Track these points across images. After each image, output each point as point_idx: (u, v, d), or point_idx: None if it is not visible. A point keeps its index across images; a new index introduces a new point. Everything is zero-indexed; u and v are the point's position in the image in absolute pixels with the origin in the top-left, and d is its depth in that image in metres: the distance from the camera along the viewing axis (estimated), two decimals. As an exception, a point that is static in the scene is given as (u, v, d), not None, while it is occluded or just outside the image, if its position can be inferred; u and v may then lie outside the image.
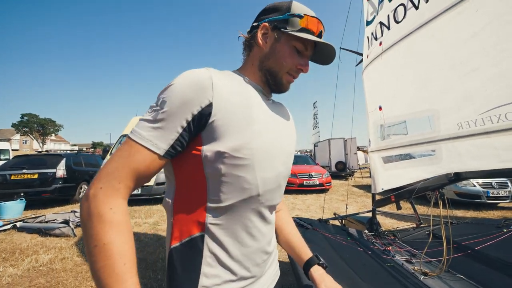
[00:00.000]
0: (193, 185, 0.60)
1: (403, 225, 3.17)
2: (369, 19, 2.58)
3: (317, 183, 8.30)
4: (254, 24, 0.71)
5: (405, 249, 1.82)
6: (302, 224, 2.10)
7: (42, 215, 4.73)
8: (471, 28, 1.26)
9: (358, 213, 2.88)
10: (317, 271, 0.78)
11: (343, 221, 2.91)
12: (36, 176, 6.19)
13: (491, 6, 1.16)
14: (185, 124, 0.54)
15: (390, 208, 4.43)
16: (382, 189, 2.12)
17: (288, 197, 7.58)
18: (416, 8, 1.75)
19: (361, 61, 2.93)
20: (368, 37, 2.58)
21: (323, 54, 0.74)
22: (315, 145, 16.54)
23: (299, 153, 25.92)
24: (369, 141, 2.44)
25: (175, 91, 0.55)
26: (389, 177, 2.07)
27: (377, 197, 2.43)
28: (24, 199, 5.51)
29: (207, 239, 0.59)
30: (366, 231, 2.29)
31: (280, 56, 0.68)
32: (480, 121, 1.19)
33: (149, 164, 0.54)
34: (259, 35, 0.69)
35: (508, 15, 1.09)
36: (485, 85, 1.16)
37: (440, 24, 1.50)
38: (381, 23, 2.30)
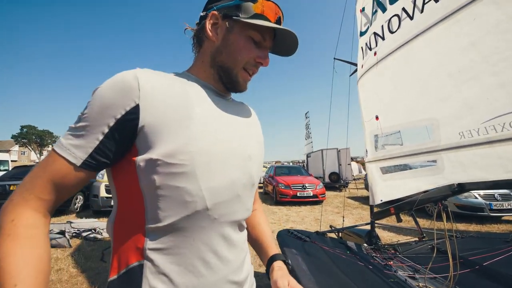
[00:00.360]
0: (131, 203, 0.51)
1: (403, 238, 3.10)
2: (363, 30, 2.62)
3: (311, 194, 8.16)
4: (202, 13, 0.62)
5: (407, 264, 1.75)
6: (299, 236, 2.02)
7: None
8: (468, 37, 1.26)
9: (355, 226, 2.82)
10: (277, 265, 0.67)
11: (340, 234, 2.84)
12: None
13: (489, 15, 1.16)
14: (106, 130, 0.47)
15: (388, 220, 4.37)
16: (381, 200, 2.06)
17: (282, 209, 7.45)
18: (411, 18, 1.77)
19: (355, 71, 2.96)
20: (362, 47, 2.61)
21: (285, 44, 0.65)
22: (307, 156, 16.44)
23: (291, 163, 25.97)
24: (366, 151, 2.41)
25: (98, 95, 0.48)
26: (388, 188, 2.02)
27: (375, 209, 2.35)
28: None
29: (147, 269, 0.49)
30: (365, 245, 2.23)
31: (234, 49, 0.59)
32: (483, 130, 1.16)
33: (65, 175, 0.47)
34: (208, 26, 0.60)
35: (506, 23, 1.09)
36: (486, 94, 1.15)
37: (437, 33, 1.50)
38: (375, 34, 2.32)
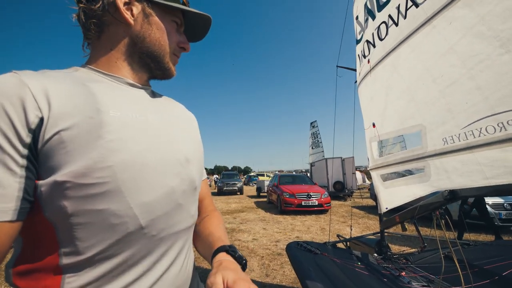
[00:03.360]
0: (37, 238, 0.41)
1: (411, 247, 3.00)
2: (358, 38, 2.64)
3: (316, 203, 8.01)
4: None
5: (420, 274, 1.69)
6: (309, 249, 1.99)
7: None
8: (447, 41, 1.24)
9: (365, 235, 2.75)
10: (217, 259, 0.53)
11: (348, 243, 2.77)
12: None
13: (463, 18, 1.14)
14: (23, 162, 0.37)
15: (395, 229, 4.23)
16: (386, 208, 2.01)
17: (287, 218, 7.35)
18: (396, 25, 1.77)
19: (359, 78, 2.98)
20: (358, 55, 2.62)
21: (197, 27, 0.62)
22: (311, 165, 16.06)
23: (294, 173, 25.67)
24: (368, 159, 2.38)
25: None
26: (390, 196, 1.98)
27: (384, 218, 2.29)
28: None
29: None
30: (375, 255, 2.16)
31: (160, 35, 0.54)
32: (463, 136, 1.12)
33: None
34: (121, 4, 0.51)
35: (479, 25, 1.06)
36: (465, 98, 1.11)
37: (419, 39, 1.48)
38: (367, 41, 2.34)
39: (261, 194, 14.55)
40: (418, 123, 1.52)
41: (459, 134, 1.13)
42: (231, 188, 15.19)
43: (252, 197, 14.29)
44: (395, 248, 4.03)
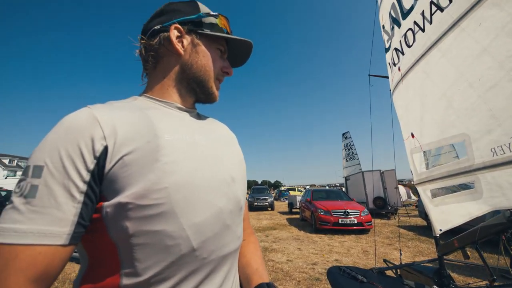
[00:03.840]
0: (102, 257, 0.43)
1: (479, 278, 2.49)
2: (387, 46, 2.58)
3: (355, 222, 7.18)
4: (157, 27, 0.58)
5: None
6: (354, 275, 1.79)
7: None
8: (479, 43, 1.13)
9: (420, 262, 2.36)
10: None
11: (398, 271, 2.41)
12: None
13: (493, 18, 1.04)
14: (84, 187, 0.40)
15: (456, 256, 3.64)
16: (440, 230, 1.73)
17: (323, 238, 6.72)
18: (423, 30, 1.69)
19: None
20: (389, 63, 2.55)
21: (239, 53, 0.67)
22: (346, 178, 14.56)
23: (327, 187, 23.98)
24: (411, 172, 2.18)
25: (53, 149, 0.40)
26: (443, 215, 1.71)
27: (441, 242, 1.93)
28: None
29: None
30: (435, 286, 1.82)
31: (206, 62, 0.60)
32: (513, 145, 0.97)
33: (47, 264, 0.37)
34: (174, 38, 0.57)
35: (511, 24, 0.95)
36: (509, 103, 0.98)
37: (447, 43, 1.39)
38: (396, 49, 2.28)
39: (293, 210, 13.71)
40: (461, 132, 1.37)
41: (510, 144, 0.99)
42: (262, 203, 14.64)
43: (283, 213, 13.57)
44: (458, 279, 3.42)
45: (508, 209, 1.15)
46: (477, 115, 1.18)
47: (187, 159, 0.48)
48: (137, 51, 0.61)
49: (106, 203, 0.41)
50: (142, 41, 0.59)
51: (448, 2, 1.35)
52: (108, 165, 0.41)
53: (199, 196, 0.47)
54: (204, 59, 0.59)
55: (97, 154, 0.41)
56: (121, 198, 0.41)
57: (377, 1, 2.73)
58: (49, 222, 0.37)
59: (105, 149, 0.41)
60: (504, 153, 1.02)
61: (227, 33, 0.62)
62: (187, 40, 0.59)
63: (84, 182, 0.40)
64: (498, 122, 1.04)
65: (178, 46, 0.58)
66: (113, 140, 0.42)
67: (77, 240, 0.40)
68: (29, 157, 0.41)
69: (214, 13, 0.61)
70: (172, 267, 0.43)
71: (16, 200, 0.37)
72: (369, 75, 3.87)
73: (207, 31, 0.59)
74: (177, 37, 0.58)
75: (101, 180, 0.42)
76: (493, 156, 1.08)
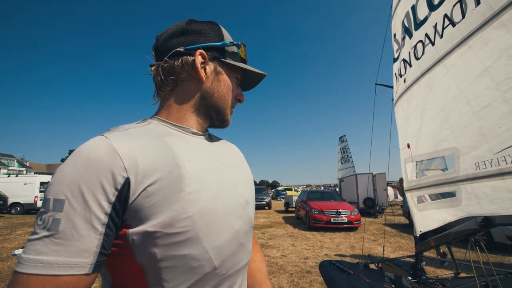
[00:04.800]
0: (128, 279, 0.46)
1: (448, 271, 2.76)
2: (395, 56, 2.60)
3: (346, 220, 7.79)
4: (181, 49, 0.56)
5: None
6: (342, 268, 2.00)
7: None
8: (483, 63, 1.19)
9: (399, 258, 2.65)
10: None
11: (379, 264, 2.71)
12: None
13: (499, 39, 1.09)
14: (105, 219, 0.41)
15: (431, 253, 3.90)
16: (420, 231, 1.94)
17: (315, 235, 7.25)
18: (433, 44, 1.72)
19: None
20: (395, 73, 2.58)
21: (250, 81, 0.68)
22: (341, 180, 15.41)
23: (322, 188, 24.60)
24: (401, 179, 2.31)
25: (74, 182, 0.40)
26: (424, 219, 1.90)
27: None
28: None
29: None
30: (410, 278, 2.07)
31: (226, 91, 0.60)
32: (495, 161, 1.05)
33: None
34: (199, 64, 0.56)
35: (515, 48, 1.01)
36: (499, 123, 1.05)
37: (453, 59, 1.44)
38: (403, 60, 2.30)
39: (289, 209, 14.31)
40: (452, 146, 1.46)
41: (492, 160, 1.07)
42: (259, 202, 15.13)
43: (280, 212, 14.18)
44: (429, 271, 3.74)
45: (480, 216, 1.28)
46: (469, 132, 1.25)
47: (208, 187, 0.50)
48: (153, 68, 0.58)
49: (131, 231, 0.43)
50: (165, 64, 0.56)
51: (461, 17, 1.39)
52: (132, 197, 0.43)
53: (220, 221, 0.50)
54: (225, 88, 0.59)
55: (119, 186, 0.41)
56: (148, 227, 0.42)
57: (391, 7, 2.73)
58: (73, 254, 0.38)
59: (127, 180, 0.42)
60: (486, 167, 1.10)
61: (243, 60, 0.63)
62: (210, 67, 0.58)
63: (106, 214, 0.41)
64: (486, 139, 1.12)
65: (202, 73, 0.56)
66: (134, 172, 0.43)
67: (99, 268, 0.42)
68: (46, 189, 0.42)
69: (237, 43, 0.61)
70: (197, 284, 0.47)
71: (40, 232, 0.38)
72: (375, 84, 3.91)
73: (230, 60, 0.59)
74: (201, 63, 0.56)
75: (124, 210, 0.43)
76: (476, 169, 1.16)
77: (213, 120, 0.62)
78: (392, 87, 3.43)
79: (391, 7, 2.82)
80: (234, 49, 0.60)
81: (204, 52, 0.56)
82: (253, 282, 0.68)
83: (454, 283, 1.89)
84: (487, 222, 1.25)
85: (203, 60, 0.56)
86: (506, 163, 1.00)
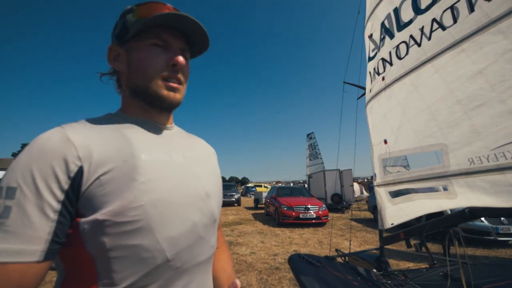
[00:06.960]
0: (79, 269, 0.45)
1: (412, 264, 2.99)
2: (371, 55, 2.69)
3: (314, 216, 8.00)
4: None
5: None
6: (310, 261, 2.01)
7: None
8: (476, 65, 1.28)
9: (364, 251, 2.77)
10: None
11: (347, 258, 2.80)
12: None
13: (496, 44, 1.19)
14: (58, 207, 0.40)
15: (397, 246, 4.23)
16: (392, 224, 2.02)
17: (285, 231, 7.36)
18: (419, 45, 1.82)
19: (363, 94, 3.02)
20: (370, 72, 2.67)
21: (195, 39, 0.59)
22: (309, 177, 16.07)
23: (291, 184, 25.68)
24: (375, 174, 2.39)
25: (27, 170, 0.40)
26: (399, 211, 1.98)
27: (385, 234, 2.29)
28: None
29: None
30: (374, 270, 2.18)
31: (141, 65, 0.54)
32: (492, 157, 1.15)
33: (23, 281, 0.38)
34: (111, 60, 0.58)
35: (513, 52, 1.11)
36: (494, 121, 1.15)
37: (444, 60, 1.53)
38: (383, 59, 2.38)
39: (259, 205, 14.36)
40: (439, 142, 1.55)
41: (488, 155, 1.16)
42: (228, 199, 14.95)
43: (249, 208, 14.10)
44: (400, 264, 4.02)
45: (467, 208, 1.37)
46: (459, 129, 1.35)
47: (163, 177, 0.50)
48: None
49: (83, 220, 0.42)
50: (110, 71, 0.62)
51: (452, 22, 1.48)
52: (84, 185, 0.43)
53: (175, 212, 0.49)
54: (138, 63, 0.55)
55: (72, 174, 0.42)
56: (98, 216, 0.42)
57: (358, 11, 2.86)
58: (22, 240, 0.38)
59: (80, 169, 0.42)
60: (482, 162, 1.20)
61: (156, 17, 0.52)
62: (122, 54, 0.57)
63: (59, 201, 0.41)
64: (480, 136, 1.21)
65: (116, 64, 0.58)
66: (88, 161, 0.43)
67: (53, 257, 0.41)
68: (2, 178, 0.41)
69: (128, 8, 0.55)
70: (148, 276, 0.46)
71: None
72: (343, 82, 4.07)
73: (131, 33, 0.54)
74: (116, 56, 0.58)
75: (77, 199, 0.43)
76: (470, 164, 1.26)
77: (152, 103, 0.57)
78: (360, 86, 3.62)
79: (359, 11, 2.96)
80: (130, 19, 0.55)
81: (111, 46, 0.58)
82: (217, 282, 0.68)
83: (416, 274, 2.07)
84: (472, 214, 1.35)
85: (115, 54, 0.58)
86: (506, 159, 1.09)
